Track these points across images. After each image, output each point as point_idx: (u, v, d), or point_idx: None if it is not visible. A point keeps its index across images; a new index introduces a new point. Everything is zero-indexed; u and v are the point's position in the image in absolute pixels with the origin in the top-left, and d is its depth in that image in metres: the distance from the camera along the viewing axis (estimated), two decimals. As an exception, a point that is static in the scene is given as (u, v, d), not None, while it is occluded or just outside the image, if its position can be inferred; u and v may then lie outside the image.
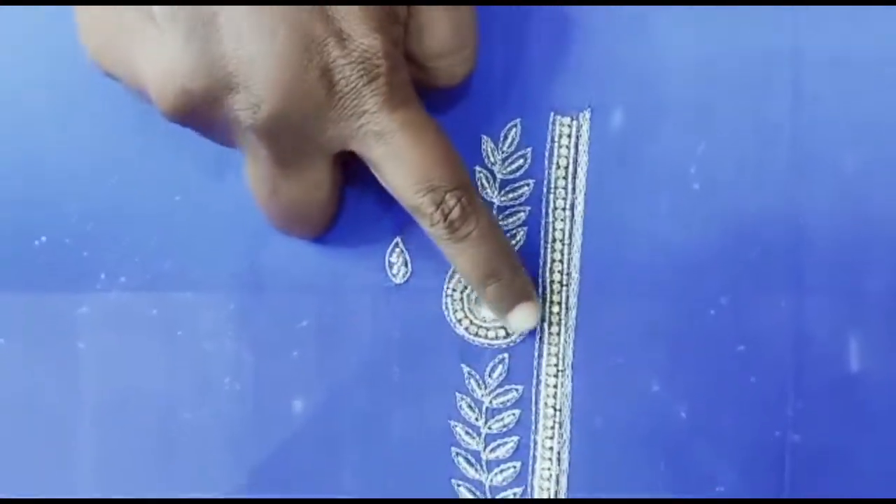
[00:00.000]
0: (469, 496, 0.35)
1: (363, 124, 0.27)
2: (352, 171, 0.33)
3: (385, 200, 0.34)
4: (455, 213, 0.28)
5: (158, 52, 0.26)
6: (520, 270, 0.31)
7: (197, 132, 0.29)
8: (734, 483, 0.34)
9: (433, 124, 0.28)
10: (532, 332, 0.34)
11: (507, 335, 0.34)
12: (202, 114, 0.27)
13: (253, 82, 0.25)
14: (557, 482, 0.34)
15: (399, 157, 0.27)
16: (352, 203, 0.34)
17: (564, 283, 0.34)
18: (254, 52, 0.25)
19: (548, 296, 0.34)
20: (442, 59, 0.29)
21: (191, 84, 0.26)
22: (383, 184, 0.29)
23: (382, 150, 0.27)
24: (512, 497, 0.35)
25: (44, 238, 0.34)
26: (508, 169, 0.34)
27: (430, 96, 0.33)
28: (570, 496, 0.34)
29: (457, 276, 0.34)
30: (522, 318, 0.32)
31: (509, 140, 0.34)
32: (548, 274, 0.34)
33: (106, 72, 0.30)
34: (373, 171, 0.29)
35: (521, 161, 0.33)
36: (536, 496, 0.35)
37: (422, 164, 0.27)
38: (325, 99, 0.26)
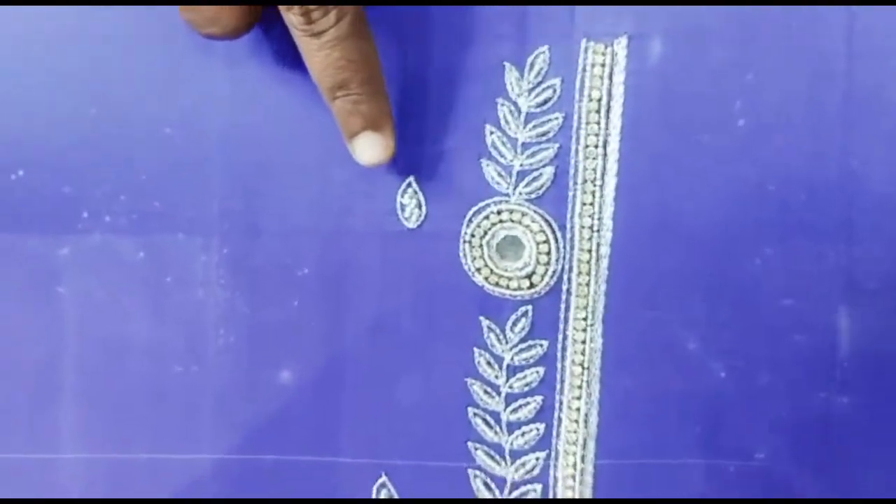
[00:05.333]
0: (487, 460, 0.32)
1: None
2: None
3: (399, 134, 0.31)
4: None
5: None
6: (378, 93, 0.28)
7: None
8: (775, 449, 0.32)
9: None
10: (559, 282, 0.32)
11: (532, 286, 0.32)
12: None
13: None
14: (584, 446, 0.32)
15: None
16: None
17: (595, 228, 0.31)
18: None
19: (577, 242, 0.31)
20: None
21: None
22: None
23: None
24: (534, 461, 0.32)
25: (21, 172, 0.31)
26: (535, 101, 0.31)
27: (443, 16, 0.30)
28: (598, 461, 0.32)
29: (476, 221, 0.31)
30: (365, 147, 0.29)
31: (536, 69, 0.31)
32: (577, 218, 0.31)
33: None
34: None
35: (550, 93, 0.31)
36: (561, 461, 0.32)
37: None
38: None
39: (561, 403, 0.32)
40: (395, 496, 0.32)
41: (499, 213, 0.31)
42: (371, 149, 0.29)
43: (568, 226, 0.31)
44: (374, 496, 0.32)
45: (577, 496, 0.32)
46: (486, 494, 0.32)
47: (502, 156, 0.31)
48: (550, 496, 0.32)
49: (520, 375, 0.32)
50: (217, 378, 0.32)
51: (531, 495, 0.32)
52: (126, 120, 0.31)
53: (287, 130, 0.31)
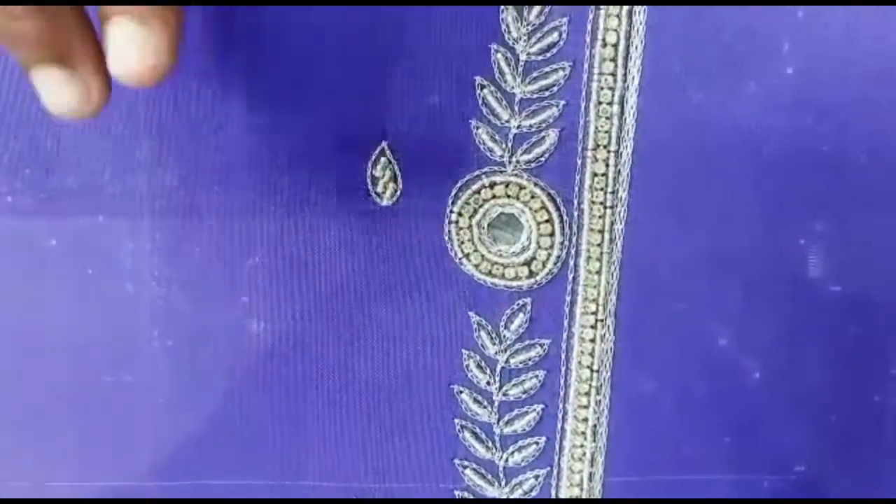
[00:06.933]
0: (477, 480, 0.30)
1: None
2: (320, 41, 0.27)
3: (370, 84, 0.27)
4: None
5: None
6: (63, 10, 0.19)
7: None
8: (817, 461, 0.29)
9: None
10: (564, 271, 0.28)
11: (531, 274, 0.28)
12: None
13: None
14: (592, 462, 0.30)
15: None
16: (320, 89, 0.27)
17: (609, 204, 0.28)
18: None
19: (586, 221, 0.28)
20: None
21: None
22: None
23: None
24: (533, 481, 0.30)
25: None
26: (536, 47, 0.27)
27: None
28: (609, 479, 0.30)
29: (464, 197, 0.28)
30: (45, 88, 0.20)
31: (538, 7, 0.27)
32: (587, 192, 0.28)
33: None
34: None
35: (555, 36, 0.27)
36: (565, 480, 0.30)
37: None
38: None
39: (565, 413, 0.29)
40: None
41: (492, 186, 0.28)
42: (54, 93, 0.20)
43: (575, 201, 0.28)
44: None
45: (583, 518, 0.29)
46: (477, 518, 0.29)
47: (496, 115, 0.28)
48: (553, 518, 0.29)
49: (516, 381, 0.29)
50: (154, 389, 0.29)
51: (530, 519, 0.29)
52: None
53: (229, 79, 0.27)
